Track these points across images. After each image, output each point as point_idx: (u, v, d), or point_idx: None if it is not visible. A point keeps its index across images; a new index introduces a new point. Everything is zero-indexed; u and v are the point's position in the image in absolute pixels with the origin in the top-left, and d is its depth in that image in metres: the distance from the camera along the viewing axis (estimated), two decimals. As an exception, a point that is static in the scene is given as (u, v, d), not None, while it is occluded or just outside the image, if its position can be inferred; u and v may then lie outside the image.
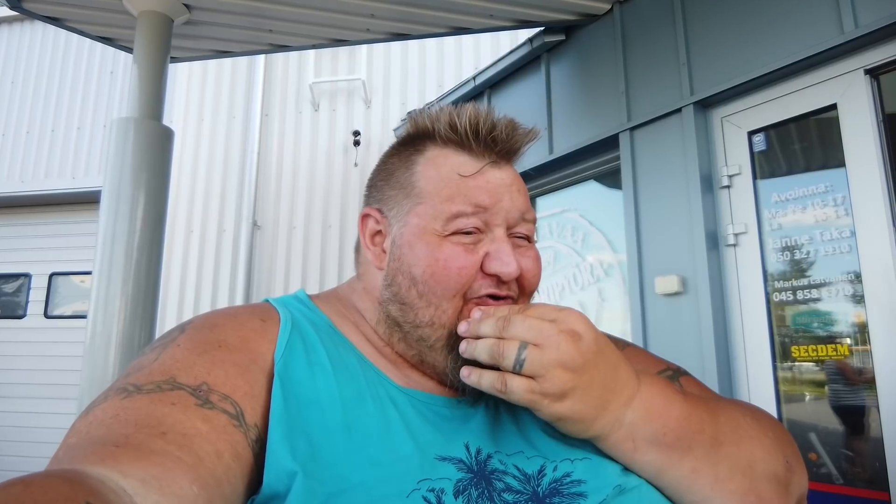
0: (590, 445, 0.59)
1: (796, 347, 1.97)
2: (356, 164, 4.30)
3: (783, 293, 2.01)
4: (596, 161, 2.82)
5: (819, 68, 1.97)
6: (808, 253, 1.96)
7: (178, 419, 0.47)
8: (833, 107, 1.92)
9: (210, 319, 0.60)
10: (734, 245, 2.15)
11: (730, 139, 2.22)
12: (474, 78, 3.43)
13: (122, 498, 0.37)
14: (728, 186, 2.20)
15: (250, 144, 4.43)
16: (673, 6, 2.41)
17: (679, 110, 2.32)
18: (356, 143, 4.30)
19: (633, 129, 2.51)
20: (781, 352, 2.00)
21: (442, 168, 0.64)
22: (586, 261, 2.92)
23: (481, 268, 0.61)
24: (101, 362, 2.08)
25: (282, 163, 4.45)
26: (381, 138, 4.33)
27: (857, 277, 1.81)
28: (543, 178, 3.06)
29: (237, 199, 4.39)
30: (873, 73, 1.86)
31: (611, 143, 2.63)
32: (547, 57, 3.04)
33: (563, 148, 2.85)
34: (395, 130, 4.24)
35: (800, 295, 1.97)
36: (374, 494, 0.49)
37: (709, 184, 2.24)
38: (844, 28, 1.86)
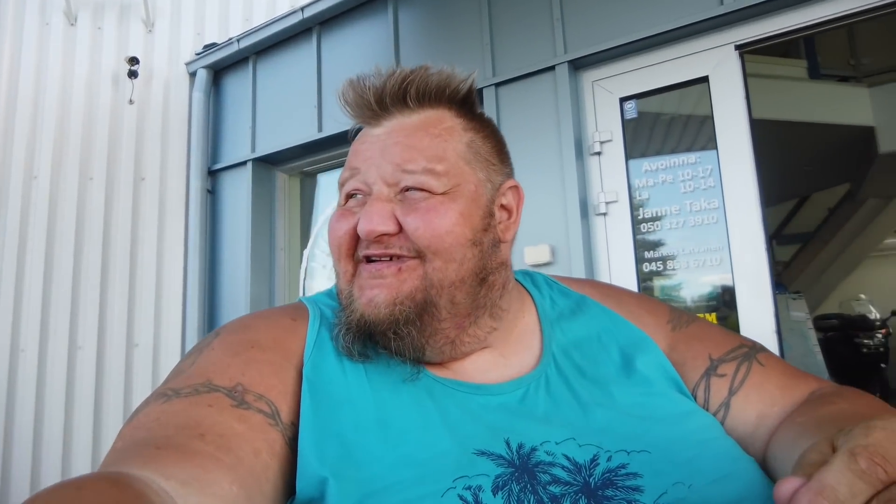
0: (650, 438, 0.55)
1: (665, 319, 1.96)
2: (131, 102, 3.34)
3: (653, 263, 1.99)
4: None
5: (693, 40, 1.97)
6: (678, 224, 1.96)
7: (216, 420, 0.48)
8: (705, 79, 1.94)
9: (243, 322, 0.62)
10: (604, 214, 2.07)
11: (601, 104, 2.13)
12: (302, 10, 2.87)
13: (164, 500, 0.38)
14: (599, 153, 2.11)
15: (-39, 60, 3.16)
16: (546, -44, 2.23)
17: (552, 68, 2.15)
18: (132, 74, 3.34)
19: (498, 84, 2.28)
20: (652, 323, 1.99)
21: None
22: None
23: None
24: None
25: (17, 91, 3.26)
26: (169, 73, 3.44)
27: (726, 248, 1.85)
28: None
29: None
30: (742, 48, 1.90)
31: (473, 98, 2.37)
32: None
33: (412, 101, 2.51)
34: (188, 65, 3.42)
35: (669, 265, 1.96)
36: (408, 495, 0.47)
37: (581, 150, 2.12)
38: (723, 0, 1.87)
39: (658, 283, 1.98)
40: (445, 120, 0.63)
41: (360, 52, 2.75)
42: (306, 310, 0.64)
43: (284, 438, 0.51)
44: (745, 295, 1.80)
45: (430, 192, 0.59)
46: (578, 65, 2.15)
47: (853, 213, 6.19)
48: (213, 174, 3.26)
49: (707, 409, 0.63)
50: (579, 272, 2.01)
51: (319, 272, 3.00)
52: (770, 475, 0.55)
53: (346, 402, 0.54)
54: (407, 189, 0.60)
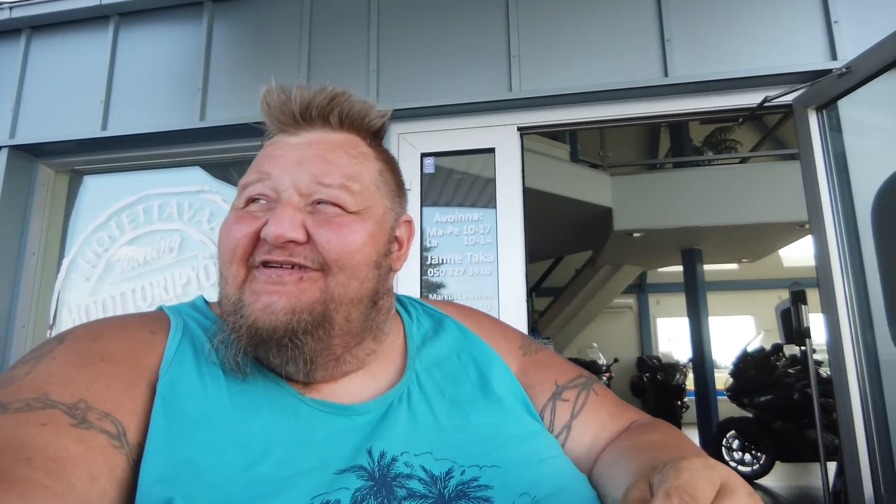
0: (500, 454, 0.58)
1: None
2: None
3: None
4: (257, 143, 2.52)
5: (486, 115, 2.29)
6: (459, 271, 2.21)
7: (48, 441, 0.44)
8: (492, 150, 2.26)
9: (94, 330, 0.56)
10: (398, 256, 2.24)
11: (404, 156, 2.34)
12: (99, -6, 2.61)
13: None
14: (398, 199, 2.29)
15: None
16: (369, 14, 2.41)
17: (364, 114, 2.30)
18: None
19: (312, 119, 2.35)
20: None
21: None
22: (224, 252, 2.55)
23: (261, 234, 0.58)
24: None
25: None
26: None
27: (496, 296, 2.15)
28: (188, 147, 2.55)
29: None
30: (523, 130, 2.27)
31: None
32: (212, 5, 2.58)
33: (218, 118, 2.44)
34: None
35: (448, 308, 2.19)
36: None
37: (382, 193, 2.28)
38: (513, 87, 2.23)
39: (438, 322, 2.21)
40: (360, 146, 0.64)
41: (164, 53, 2.59)
42: (167, 321, 0.60)
43: (129, 461, 0.48)
44: (507, 337, 2.10)
45: (342, 208, 0.59)
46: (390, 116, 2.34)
47: (593, 275, 7.48)
48: (-53, 154, 2.69)
49: (552, 430, 0.67)
50: (370, 307, 2.13)
51: (81, 285, 2.65)
52: (595, 489, 0.61)
53: (202, 421, 0.51)
54: (319, 202, 0.59)
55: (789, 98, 2.02)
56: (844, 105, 1.92)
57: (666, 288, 9.66)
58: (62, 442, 0.44)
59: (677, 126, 7.04)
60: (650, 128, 7.42)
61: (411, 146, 2.34)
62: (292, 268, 0.57)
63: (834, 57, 2.06)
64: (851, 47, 2.02)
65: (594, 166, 5.71)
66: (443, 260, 2.23)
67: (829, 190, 1.92)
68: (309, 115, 0.62)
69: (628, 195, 5.42)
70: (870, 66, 1.72)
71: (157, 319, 0.60)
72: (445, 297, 2.21)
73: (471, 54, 2.30)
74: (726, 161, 6.92)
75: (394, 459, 0.54)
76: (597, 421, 0.68)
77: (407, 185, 2.25)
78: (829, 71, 1.99)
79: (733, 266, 9.22)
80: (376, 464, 0.53)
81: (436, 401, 0.63)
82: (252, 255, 0.58)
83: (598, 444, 0.66)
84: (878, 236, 1.83)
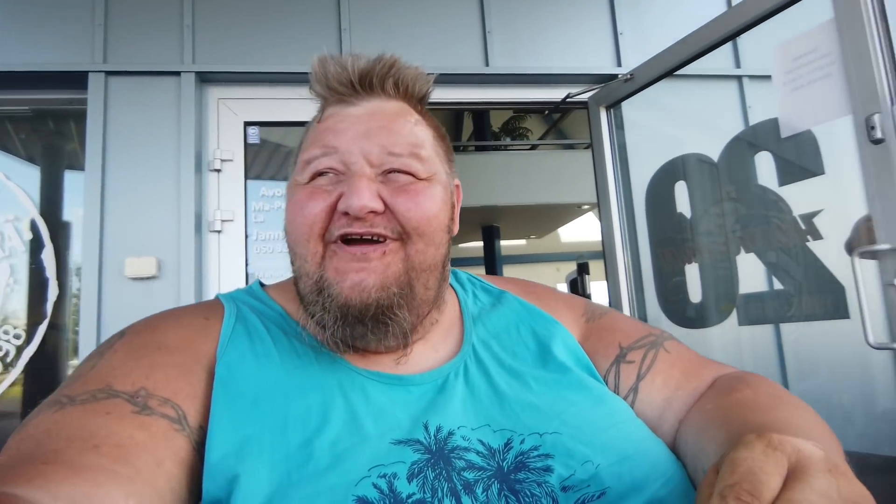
0: (561, 421, 0.56)
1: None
2: None
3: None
4: (49, 96, 2.11)
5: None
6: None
7: (114, 430, 0.45)
8: (322, 124, 2.21)
9: (151, 322, 0.59)
10: (219, 231, 2.09)
11: (225, 124, 2.17)
12: None
13: None
14: (219, 171, 2.13)
15: None
16: (179, -42, 2.15)
17: (177, 74, 2.07)
18: None
19: (110, 73, 2.04)
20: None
21: (311, 124, 0.65)
22: (-10, 226, 2.10)
23: (338, 208, 0.57)
24: None
25: None
26: None
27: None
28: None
29: None
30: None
31: (73, 80, 2.04)
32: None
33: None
34: None
35: (277, 285, 2.11)
36: (321, 485, 0.46)
37: (200, 165, 2.09)
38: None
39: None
40: (414, 113, 0.64)
41: None
42: (221, 307, 0.62)
43: (191, 443, 0.49)
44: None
45: (414, 175, 0.59)
46: (206, 78, 2.14)
47: (403, 251, 7.75)
48: None
49: (617, 395, 0.64)
50: (188, 288, 1.96)
51: None
52: (680, 458, 0.57)
53: (262, 400, 0.52)
54: (390, 171, 0.59)
55: (586, 96, 2.33)
56: (626, 106, 2.28)
57: (466, 262, 10.41)
58: (126, 430, 0.46)
59: (479, 112, 7.57)
60: (455, 111, 7.86)
61: (233, 113, 2.18)
62: (372, 240, 0.57)
63: (619, 63, 2.42)
64: (633, 56, 2.40)
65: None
66: (270, 236, 2.14)
67: (614, 177, 2.27)
68: (368, 84, 0.61)
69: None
70: (647, 74, 2.08)
71: (212, 307, 0.63)
72: (263, 277, 2.13)
73: (301, 20, 2.21)
74: (519, 147, 7.65)
75: (450, 433, 0.53)
76: (669, 380, 0.64)
77: (229, 155, 2.12)
78: (616, 76, 2.34)
79: (523, 242, 10.29)
80: (433, 438, 0.53)
81: (494, 370, 0.62)
82: (328, 230, 0.57)
83: (673, 406, 0.62)
84: (649, 217, 2.24)
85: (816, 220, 1.64)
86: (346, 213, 0.56)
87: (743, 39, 2.03)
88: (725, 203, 1.97)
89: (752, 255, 1.85)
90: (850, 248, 1.43)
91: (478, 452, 0.52)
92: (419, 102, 0.66)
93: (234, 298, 0.65)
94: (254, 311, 0.63)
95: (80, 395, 0.48)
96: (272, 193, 2.16)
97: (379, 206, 0.57)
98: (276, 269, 2.12)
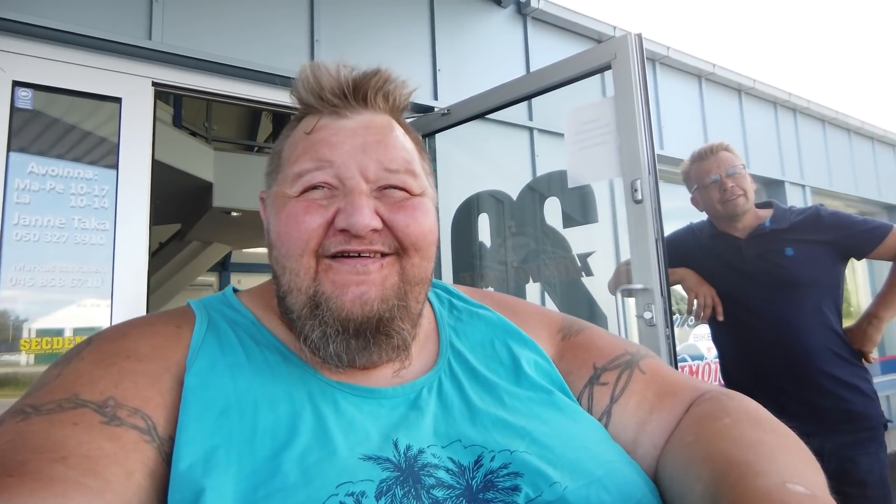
0: (533, 440, 0.55)
1: (26, 341, 1.74)
2: None
3: (22, 274, 1.75)
4: None
5: (118, 57, 1.95)
6: (60, 238, 1.81)
7: (82, 440, 0.44)
8: (118, 100, 1.94)
9: (120, 329, 0.58)
10: (-37, 209, 1.69)
11: (-15, 78, 1.77)
12: None
13: None
14: (-30, 134, 1.72)
15: None
16: None
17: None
18: None
19: None
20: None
21: (296, 132, 0.62)
22: None
23: (335, 224, 0.57)
24: None
25: None
26: None
27: (110, 270, 1.86)
28: None
29: None
30: (158, 86, 2.04)
31: None
32: None
33: None
34: None
35: (40, 281, 1.78)
36: (289, 501, 0.45)
37: (-57, 121, 1.67)
38: (153, 35, 1.97)
39: (24, 296, 1.76)
40: (399, 126, 0.63)
41: None
42: (193, 315, 0.60)
43: (161, 454, 0.48)
44: (121, 317, 1.86)
45: (409, 192, 0.59)
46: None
47: (180, 250, 7.01)
48: None
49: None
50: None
51: None
52: (662, 492, 0.55)
53: (231, 410, 0.51)
54: (385, 188, 0.58)
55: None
56: (440, 138, 2.46)
57: (248, 268, 9.84)
58: (95, 440, 0.45)
59: (280, 115, 7.29)
60: (253, 109, 7.47)
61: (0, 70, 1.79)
62: (370, 255, 0.57)
63: (436, 97, 2.61)
64: (449, 93, 2.60)
65: (194, 134, 5.39)
66: (36, 222, 1.79)
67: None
68: (363, 97, 0.61)
69: (231, 172, 5.34)
70: (462, 112, 2.28)
71: (183, 314, 0.61)
72: (37, 269, 1.79)
73: (101, -20, 1.92)
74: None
75: (421, 451, 0.53)
76: (643, 402, 0.62)
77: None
78: (432, 108, 2.51)
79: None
80: (402, 456, 0.52)
81: (468, 384, 0.62)
82: (322, 246, 0.56)
83: (648, 431, 0.61)
84: (453, 243, 2.43)
85: (590, 260, 1.97)
86: (343, 230, 0.56)
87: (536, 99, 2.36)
88: (518, 238, 2.25)
89: (538, 285, 2.14)
90: (614, 286, 1.76)
91: (447, 470, 0.51)
92: (400, 113, 0.66)
93: (206, 306, 0.63)
94: (225, 318, 0.61)
95: (46, 404, 0.47)
96: (44, 172, 1.82)
97: (379, 225, 0.57)
98: (42, 259, 1.78)
